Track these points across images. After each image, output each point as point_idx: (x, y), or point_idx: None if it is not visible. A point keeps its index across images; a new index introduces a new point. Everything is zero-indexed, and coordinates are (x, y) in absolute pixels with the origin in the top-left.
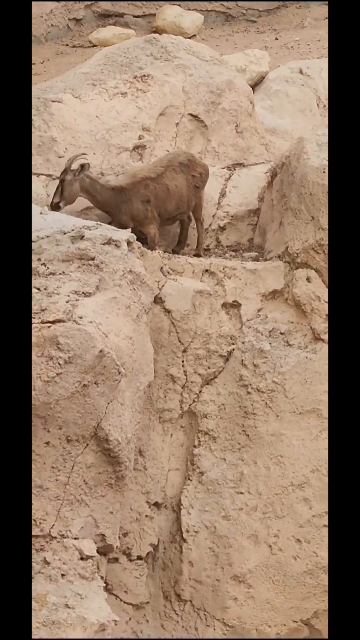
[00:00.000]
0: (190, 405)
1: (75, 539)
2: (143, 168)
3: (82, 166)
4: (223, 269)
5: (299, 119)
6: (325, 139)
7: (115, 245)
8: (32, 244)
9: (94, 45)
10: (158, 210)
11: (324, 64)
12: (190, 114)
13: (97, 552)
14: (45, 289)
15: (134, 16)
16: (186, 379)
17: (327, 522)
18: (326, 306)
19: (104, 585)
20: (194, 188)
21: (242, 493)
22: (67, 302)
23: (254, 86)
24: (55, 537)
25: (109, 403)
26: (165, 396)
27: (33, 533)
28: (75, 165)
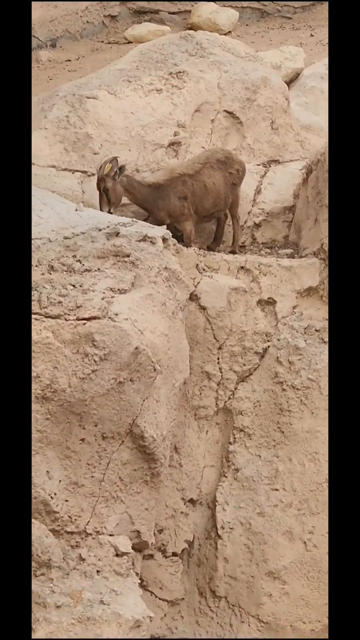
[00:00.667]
0: (225, 402)
1: (110, 535)
2: (181, 164)
3: (121, 168)
4: (258, 266)
5: None
6: None
7: (151, 242)
8: (68, 240)
9: (129, 42)
10: (195, 207)
11: None
12: (226, 111)
13: (133, 548)
14: (80, 286)
15: (169, 13)
16: (221, 376)
17: None
18: None
19: (139, 581)
20: (231, 185)
21: (277, 490)
22: (102, 299)
23: (289, 83)
24: (91, 534)
25: (144, 400)
26: (200, 393)
27: (68, 530)
28: (107, 169)
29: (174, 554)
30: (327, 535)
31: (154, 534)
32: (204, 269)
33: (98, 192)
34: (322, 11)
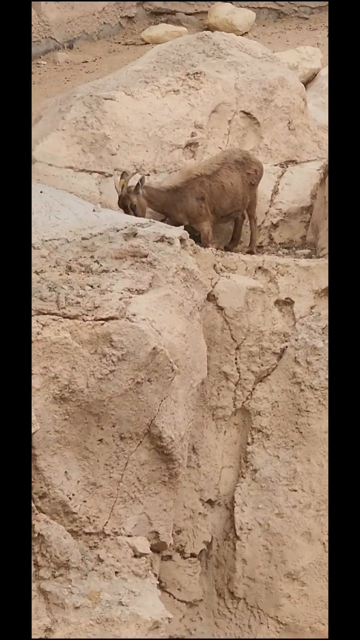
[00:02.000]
0: (243, 402)
1: (128, 536)
2: (198, 165)
3: (141, 180)
4: (276, 266)
5: None
6: None
7: (168, 242)
8: (85, 241)
9: (146, 43)
10: (213, 208)
11: None
12: (243, 111)
13: (151, 549)
14: (98, 286)
15: (186, 14)
16: (239, 376)
17: None
18: None
19: (158, 582)
20: (249, 185)
21: (295, 490)
22: (120, 299)
23: (306, 83)
24: (109, 535)
25: (162, 400)
26: (218, 393)
27: (87, 530)
28: (127, 186)
29: (193, 555)
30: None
31: (172, 534)
32: (221, 269)
33: (123, 210)
34: None
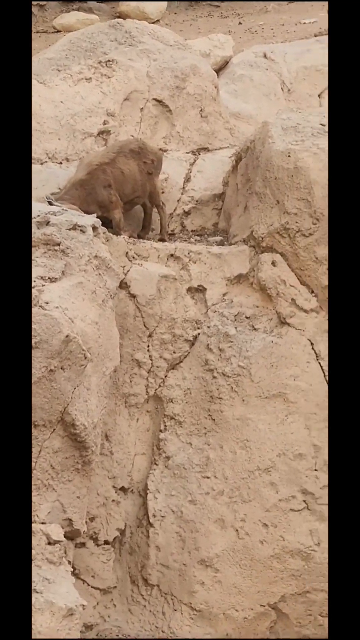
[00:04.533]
0: (155, 389)
1: (42, 523)
2: (96, 155)
3: (49, 201)
4: (188, 253)
5: (264, 103)
6: (290, 122)
7: (81, 230)
8: None
9: (58, 31)
10: (118, 194)
11: (288, 48)
12: (155, 99)
13: (65, 536)
14: None
15: (98, 1)
16: (152, 363)
17: (293, 507)
18: (292, 290)
19: (72, 569)
20: (146, 174)
21: (208, 477)
22: (33, 287)
23: (218, 71)
24: None
25: (75, 388)
26: (131, 381)
27: None
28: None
29: (106, 542)
30: (258, 522)
31: (86, 522)
32: (133, 257)
33: None
34: None
